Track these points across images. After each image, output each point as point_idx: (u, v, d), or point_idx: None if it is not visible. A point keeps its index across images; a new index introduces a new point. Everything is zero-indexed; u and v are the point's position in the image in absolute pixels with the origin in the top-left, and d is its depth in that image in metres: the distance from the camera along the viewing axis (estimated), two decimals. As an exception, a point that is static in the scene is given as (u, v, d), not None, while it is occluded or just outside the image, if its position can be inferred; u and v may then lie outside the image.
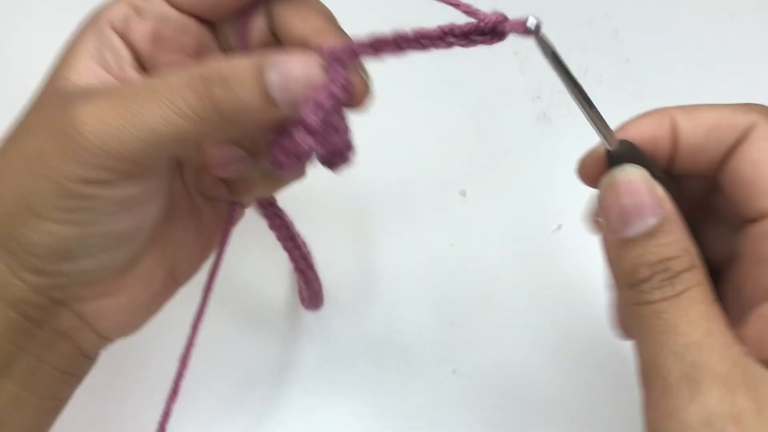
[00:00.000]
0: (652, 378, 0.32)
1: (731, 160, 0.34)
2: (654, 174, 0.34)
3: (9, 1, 0.68)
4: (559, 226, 0.59)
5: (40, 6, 0.67)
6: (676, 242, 0.32)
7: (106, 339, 0.39)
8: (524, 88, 0.64)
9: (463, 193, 0.61)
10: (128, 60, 0.38)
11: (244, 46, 0.39)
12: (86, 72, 0.36)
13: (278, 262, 0.56)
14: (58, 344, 0.37)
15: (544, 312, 0.57)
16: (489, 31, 0.35)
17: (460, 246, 0.60)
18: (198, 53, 0.40)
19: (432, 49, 0.35)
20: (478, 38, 0.35)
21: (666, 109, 0.36)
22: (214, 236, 0.44)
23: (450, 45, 0.35)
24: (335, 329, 0.58)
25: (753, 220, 0.34)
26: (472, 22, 0.34)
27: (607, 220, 0.34)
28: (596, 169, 0.36)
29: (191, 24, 0.39)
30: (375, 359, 0.56)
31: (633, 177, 0.33)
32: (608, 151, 0.34)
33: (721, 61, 0.65)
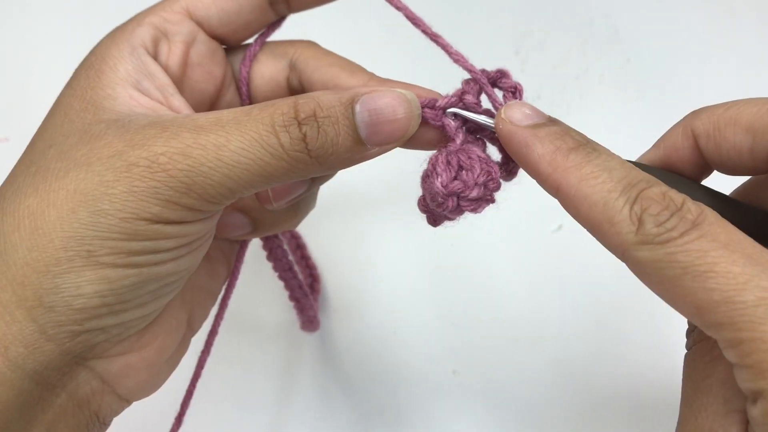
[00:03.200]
0: None
1: None
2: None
3: (9, 1, 0.68)
4: (560, 226, 0.59)
5: (38, 6, 0.67)
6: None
7: (125, 402, 0.36)
8: (524, 88, 0.64)
9: (463, 193, 0.61)
10: (169, 85, 0.35)
11: (246, 81, 0.39)
12: (128, 100, 0.33)
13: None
14: (74, 413, 0.33)
15: (544, 312, 0.57)
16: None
17: (460, 246, 0.60)
18: (222, 86, 0.39)
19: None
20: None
21: (684, 120, 0.35)
22: (221, 278, 0.42)
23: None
24: (336, 329, 0.58)
25: None
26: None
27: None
28: None
29: (219, 50, 0.38)
30: (375, 359, 0.56)
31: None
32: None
33: (722, 61, 0.65)
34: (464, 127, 0.35)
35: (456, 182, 0.34)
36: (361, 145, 0.32)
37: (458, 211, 0.35)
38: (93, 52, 0.36)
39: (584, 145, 0.31)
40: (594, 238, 0.30)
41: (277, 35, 0.40)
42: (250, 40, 0.40)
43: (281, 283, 0.51)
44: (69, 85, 0.35)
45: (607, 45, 0.66)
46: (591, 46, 0.66)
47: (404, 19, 0.35)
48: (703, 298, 0.26)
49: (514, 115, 0.33)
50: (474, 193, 0.34)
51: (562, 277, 0.58)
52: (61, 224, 0.30)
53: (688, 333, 0.34)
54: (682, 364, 0.33)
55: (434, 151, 0.35)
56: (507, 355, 0.56)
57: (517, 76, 0.65)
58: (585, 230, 0.31)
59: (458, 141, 0.35)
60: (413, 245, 0.59)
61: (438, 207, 0.34)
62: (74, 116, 0.33)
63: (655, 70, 0.65)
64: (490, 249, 0.60)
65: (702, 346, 0.31)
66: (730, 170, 0.34)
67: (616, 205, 0.29)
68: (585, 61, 0.65)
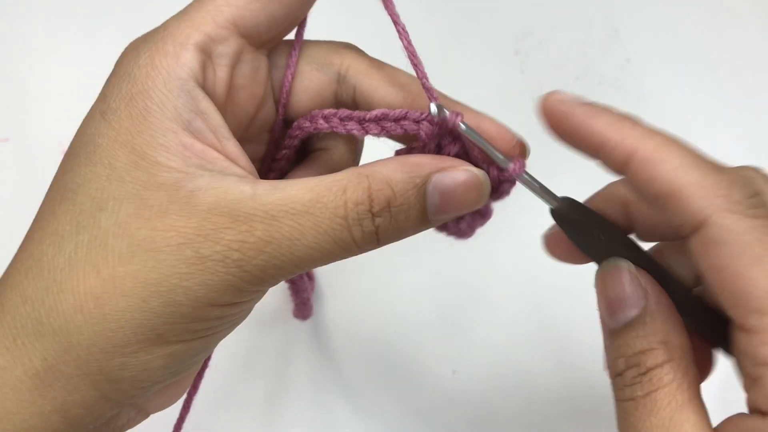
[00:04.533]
0: None
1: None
2: (602, 227, 0.34)
3: (9, 1, 0.68)
4: (559, 226, 0.59)
5: (38, 6, 0.67)
6: (652, 334, 0.31)
7: (148, 415, 0.37)
8: (524, 88, 0.64)
9: (463, 193, 0.61)
10: (222, 126, 0.32)
11: (290, 82, 0.36)
12: (182, 151, 0.30)
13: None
14: None
15: (544, 312, 0.57)
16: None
17: (460, 246, 0.59)
18: (263, 100, 0.36)
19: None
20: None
21: (633, 130, 0.32)
22: None
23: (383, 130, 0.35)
24: (336, 330, 0.58)
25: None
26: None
27: (600, 311, 0.34)
28: (561, 244, 0.37)
29: (263, 65, 0.35)
30: (375, 359, 0.56)
31: (616, 268, 0.33)
32: (552, 210, 0.35)
33: (721, 61, 0.65)
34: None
35: (475, 227, 0.38)
36: (427, 223, 0.32)
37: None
38: (130, 79, 0.31)
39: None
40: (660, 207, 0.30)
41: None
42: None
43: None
44: (107, 122, 0.31)
45: (607, 45, 0.66)
46: (591, 46, 0.66)
47: (406, 20, 0.35)
48: None
49: (567, 97, 0.32)
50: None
51: (562, 277, 0.58)
52: (132, 313, 0.29)
53: (633, 378, 0.32)
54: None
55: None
56: (507, 355, 0.56)
57: (517, 76, 0.66)
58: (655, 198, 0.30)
59: None
60: (413, 245, 0.59)
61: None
62: (123, 173, 0.30)
63: (655, 70, 0.65)
64: (491, 249, 0.59)
65: (667, 390, 0.30)
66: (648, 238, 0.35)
67: (701, 169, 0.28)
68: (585, 61, 0.65)
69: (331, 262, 0.31)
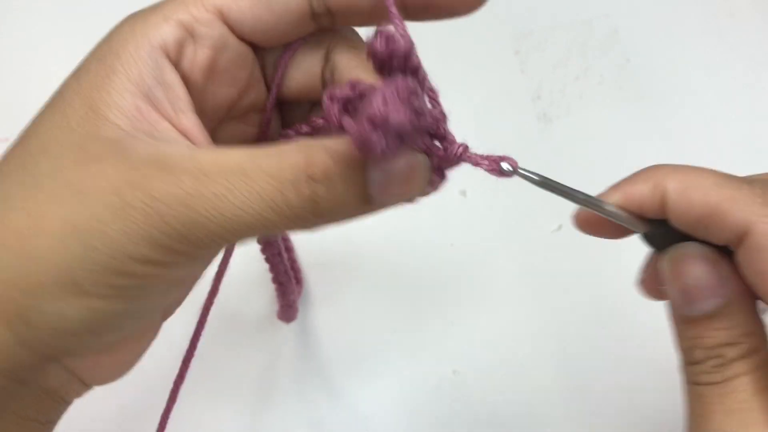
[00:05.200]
0: None
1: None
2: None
3: (8, 1, 0.68)
4: (560, 227, 0.59)
5: (38, 6, 0.67)
6: (735, 326, 0.31)
7: (90, 387, 0.36)
8: (524, 88, 0.64)
9: (464, 193, 0.61)
10: (182, 100, 0.32)
11: (281, 78, 0.36)
12: (134, 113, 0.31)
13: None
14: (42, 399, 0.33)
15: (544, 312, 0.57)
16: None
17: (460, 246, 0.60)
18: (247, 87, 0.36)
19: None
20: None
21: (657, 173, 0.33)
22: (204, 270, 0.40)
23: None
24: (336, 330, 0.58)
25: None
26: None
27: (671, 295, 0.33)
28: (655, 282, 0.35)
29: (249, 54, 0.35)
30: (375, 359, 0.56)
31: (695, 254, 0.32)
32: (645, 235, 0.34)
33: (721, 61, 0.65)
34: None
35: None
36: (368, 204, 0.31)
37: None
38: (109, 39, 0.33)
39: None
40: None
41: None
42: None
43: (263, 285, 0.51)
44: (77, 75, 0.33)
45: (607, 45, 0.66)
46: (591, 46, 0.66)
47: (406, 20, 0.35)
48: None
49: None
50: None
51: (562, 277, 0.58)
52: (52, 254, 0.29)
53: (702, 366, 0.32)
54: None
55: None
56: (507, 355, 0.56)
57: (517, 76, 0.66)
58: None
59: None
60: (413, 245, 0.59)
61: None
62: (74, 123, 0.31)
63: (655, 70, 0.65)
64: (490, 249, 0.60)
65: (739, 382, 0.31)
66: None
67: (732, 184, 0.30)
68: (585, 61, 0.65)
69: (267, 230, 0.30)
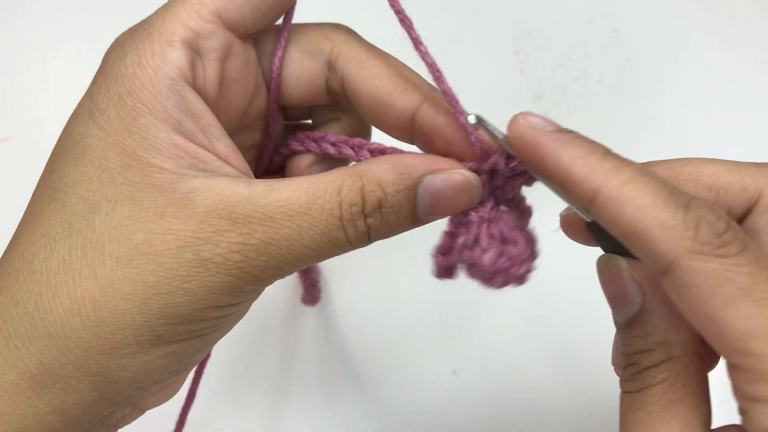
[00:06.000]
0: None
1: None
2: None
3: (8, 1, 0.68)
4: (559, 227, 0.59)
5: (38, 6, 0.67)
6: (651, 334, 0.30)
7: (145, 411, 0.37)
8: (524, 88, 0.64)
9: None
10: (213, 126, 0.31)
11: (278, 70, 0.35)
12: (173, 151, 0.30)
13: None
14: (101, 431, 0.34)
15: (544, 312, 0.57)
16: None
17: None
18: (254, 93, 0.35)
19: None
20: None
21: (663, 167, 0.33)
22: None
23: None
24: (336, 331, 0.58)
25: None
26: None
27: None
28: (577, 227, 0.36)
29: (252, 56, 0.34)
30: (375, 359, 0.56)
31: (613, 265, 0.32)
32: (588, 223, 0.33)
33: (721, 61, 0.65)
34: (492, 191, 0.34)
35: (502, 259, 0.32)
36: (417, 223, 0.32)
37: (503, 284, 0.34)
38: (117, 79, 0.31)
39: (613, 152, 0.29)
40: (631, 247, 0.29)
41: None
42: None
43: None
44: (95, 122, 0.31)
45: (607, 45, 0.66)
46: (591, 46, 0.66)
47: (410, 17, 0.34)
48: (757, 324, 0.25)
49: (536, 121, 0.30)
50: (522, 270, 0.33)
51: (562, 277, 0.58)
52: (131, 315, 0.29)
53: (629, 376, 0.31)
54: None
55: (461, 216, 0.34)
56: (507, 355, 0.56)
57: (517, 76, 0.66)
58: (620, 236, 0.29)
59: (488, 206, 0.34)
60: (413, 245, 0.59)
61: (484, 282, 0.34)
62: (115, 174, 0.30)
63: (655, 70, 0.65)
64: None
65: (656, 389, 0.30)
66: None
67: (668, 208, 0.26)
68: (585, 61, 0.65)
69: (325, 259, 0.32)
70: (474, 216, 0.33)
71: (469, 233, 0.33)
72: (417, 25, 0.35)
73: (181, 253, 0.29)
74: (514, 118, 0.31)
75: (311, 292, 0.56)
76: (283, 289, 0.58)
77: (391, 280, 0.59)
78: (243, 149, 0.37)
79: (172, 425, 0.45)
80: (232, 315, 0.32)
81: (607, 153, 0.29)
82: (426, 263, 0.60)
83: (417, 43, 0.33)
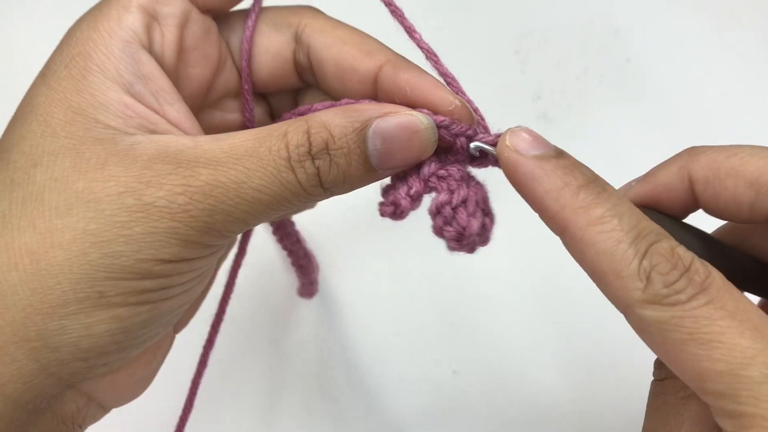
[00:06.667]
0: None
1: None
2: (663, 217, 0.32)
3: (8, 1, 0.68)
4: (559, 226, 0.59)
5: (38, 6, 0.67)
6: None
7: (108, 409, 0.35)
8: (524, 88, 0.64)
9: (463, 193, 0.61)
10: (165, 91, 0.32)
11: (249, 51, 0.36)
12: (122, 110, 0.30)
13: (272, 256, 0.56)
14: (58, 428, 0.32)
15: (545, 312, 0.57)
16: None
17: (460, 246, 0.60)
18: (218, 66, 0.36)
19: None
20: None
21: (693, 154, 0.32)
22: (213, 276, 0.40)
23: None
24: (336, 331, 0.58)
25: None
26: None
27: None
28: None
29: (213, 28, 0.35)
30: (375, 359, 0.56)
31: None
32: None
33: (721, 61, 0.65)
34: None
35: (483, 229, 0.35)
36: (372, 171, 0.31)
37: (470, 251, 0.36)
38: (71, 43, 0.31)
39: (593, 182, 0.30)
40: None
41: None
42: (240, 6, 0.36)
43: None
44: (45, 83, 0.31)
45: (607, 45, 0.66)
46: (591, 46, 0.66)
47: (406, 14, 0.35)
48: (707, 366, 0.26)
49: (520, 144, 0.31)
50: (488, 240, 0.36)
51: (562, 278, 0.58)
52: (70, 266, 0.28)
53: (659, 364, 0.33)
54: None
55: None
56: (507, 355, 0.56)
57: (517, 76, 0.66)
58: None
59: (462, 163, 0.34)
60: (414, 245, 0.59)
61: (455, 244, 0.36)
62: (59, 128, 0.30)
63: (655, 70, 0.65)
64: (491, 249, 0.59)
65: (676, 382, 0.31)
66: (723, 217, 0.33)
67: (625, 258, 0.28)
68: (585, 61, 0.65)
69: (282, 209, 0.31)
70: (454, 170, 0.33)
71: (458, 193, 0.33)
72: (417, 26, 0.35)
73: (122, 198, 0.28)
74: (503, 137, 0.32)
75: (309, 289, 0.56)
76: (282, 289, 0.58)
77: (391, 279, 0.59)
78: (214, 129, 0.37)
79: (172, 428, 0.45)
80: (180, 278, 0.30)
81: (583, 186, 0.29)
82: (426, 263, 0.60)
83: (410, 31, 0.33)
